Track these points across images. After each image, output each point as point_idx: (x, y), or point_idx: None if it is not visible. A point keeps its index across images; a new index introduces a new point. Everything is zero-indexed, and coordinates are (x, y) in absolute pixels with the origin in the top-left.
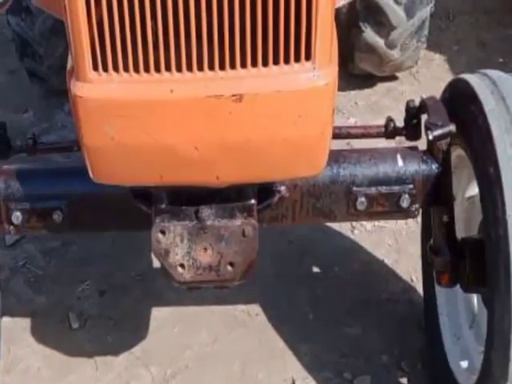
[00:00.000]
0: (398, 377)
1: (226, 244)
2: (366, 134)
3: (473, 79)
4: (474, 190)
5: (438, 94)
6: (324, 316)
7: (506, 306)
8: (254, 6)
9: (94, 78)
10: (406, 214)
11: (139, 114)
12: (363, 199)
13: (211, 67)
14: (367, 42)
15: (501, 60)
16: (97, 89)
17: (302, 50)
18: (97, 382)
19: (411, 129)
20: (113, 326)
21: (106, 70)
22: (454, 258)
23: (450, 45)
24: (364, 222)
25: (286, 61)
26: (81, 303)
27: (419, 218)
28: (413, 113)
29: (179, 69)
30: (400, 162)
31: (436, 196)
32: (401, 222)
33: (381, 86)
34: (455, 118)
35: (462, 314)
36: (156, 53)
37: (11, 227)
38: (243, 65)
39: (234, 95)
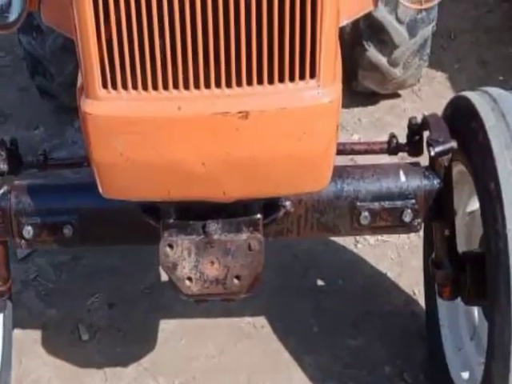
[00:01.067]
0: None
1: (232, 258)
2: (369, 150)
3: (473, 97)
4: (474, 204)
5: (439, 111)
6: (328, 328)
7: (506, 318)
8: (260, 25)
9: (104, 95)
10: (408, 228)
11: (147, 131)
12: (367, 214)
13: (218, 85)
14: (370, 61)
15: (501, 78)
16: (106, 106)
17: (307, 67)
18: None
19: (413, 145)
20: (122, 337)
21: (115, 87)
22: (455, 271)
23: (452, 63)
24: (367, 236)
25: (291, 78)
26: (90, 315)
27: (421, 233)
28: (415, 129)
29: (187, 86)
30: (402, 178)
31: (438, 211)
32: (403, 236)
33: (384, 104)
34: (456, 134)
35: (463, 326)
36: (164, 71)
37: (22, 241)
38: (249, 82)
39: (240, 112)
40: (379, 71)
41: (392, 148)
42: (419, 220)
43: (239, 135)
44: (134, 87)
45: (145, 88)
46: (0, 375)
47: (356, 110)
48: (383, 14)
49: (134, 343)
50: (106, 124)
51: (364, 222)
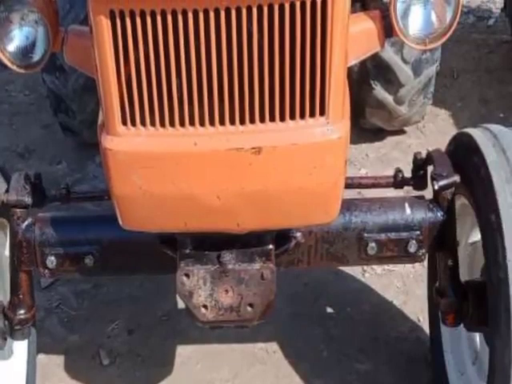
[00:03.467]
0: None
1: (245, 286)
2: (376, 184)
3: (475, 133)
4: (476, 236)
5: (443, 146)
6: (337, 353)
7: (506, 343)
8: (272, 66)
9: (123, 131)
10: (413, 258)
11: (165, 166)
12: (374, 245)
13: (232, 122)
14: (377, 99)
15: (501, 115)
16: (125, 142)
17: (317, 105)
18: None
19: (418, 179)
20: (141, 362)
21: (134, 124)
22: (458, 299)
23: (454, 101)
24: (374, 266)
25: (302, 116)
26: (111, 341)
27: (426, 262)
28: (420, 164)
29: (202, 123)
30: (408, 210)
31: (441, 242)
32: (408, 266)
33: (390, 140)
34: (459, 169)
35: (465, 352)
36: (181, 108)
37: (46, 271)
38: (262, 119)
39: (253, 148)
40: (386, 109)
41: (398, 182)
42: (424, 250)
43: (252, 170)
44: (152, 124)
45: (162, 125)
46: None
47: (363, 145)
48: (389, 55)
49: (152, 367)
50: (126, 159)
51: (371, 252)
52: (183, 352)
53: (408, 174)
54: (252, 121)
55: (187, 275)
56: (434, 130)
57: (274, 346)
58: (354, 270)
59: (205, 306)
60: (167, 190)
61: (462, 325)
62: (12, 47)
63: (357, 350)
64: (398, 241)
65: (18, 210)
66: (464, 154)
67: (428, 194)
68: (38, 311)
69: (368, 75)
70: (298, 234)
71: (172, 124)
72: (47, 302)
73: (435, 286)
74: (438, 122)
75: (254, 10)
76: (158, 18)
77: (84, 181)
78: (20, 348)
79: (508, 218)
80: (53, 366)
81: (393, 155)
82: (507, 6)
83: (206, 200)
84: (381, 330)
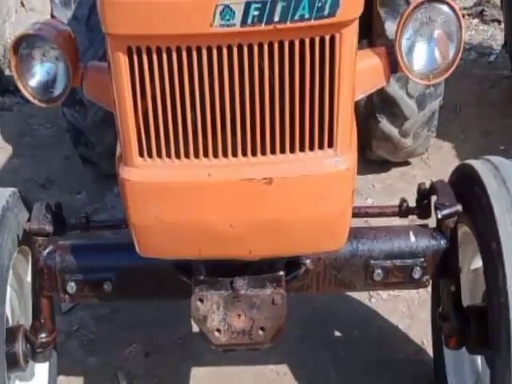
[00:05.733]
0: None
1: (257, 311)
2: (382, 213)
3: (477, 164)
4: (478, 263)
5: (446, 177)
6: (345, 375)
7: (507, 366)
8: (283, 101)
9: (140, 163)
10: (417, 284)
11: (180, 196)
12: (380, 271)
13: (244, 154)
14: (383, 131)
15: (502, 147)
16: (142, 173)
17: (326, 138)
18: None
19: (422, 208)
20: (157, 383)
21: (150, 156)
22: (460, 323)
23: (457, 134)
24: (380, 292)
25: (311, 148)
26: (128, 363)
27: (429, 288)
28: (424, 194)
29: (216, 155)
30: (412, 238)
31: (444, 268)
32: (413, 292)
33: (395, 171)
34: (461, 198)
35: (467, 373)
36: (195, 141)
37: (66, 296)
38: (273, 151)
39: (264, 178)
40: (391, 141)
41: (403, 211)
42: (427, 277)
43: (264, 199)
44: (168, 156)
45: (177, 156)
46: None
47: (370, 176)
48: (395, 89)
49: None
50: (143, 189)
51: (377, 278)
52: (197, 373)
53: (413, 203)
54: (263, 153)
55: (201, 300)
56: (437, 162)
57: (284, 368)
58: (361, 296)
59: (218, 330)
60: (182, 219)
61: (464, 348)
62: (34, 82)
63: (364, 371)
64: (403, 267)
65: (39, 238)
66: (466, 185)
67: (432, 222)
68: (58, 335)
69: (374, 109)
70: (308, 261)
71: (187, 156)
72: (67, 325)
73: (438, 310)
74: (441, 154)
75: (265, 47)
76: (174, 55)
77: (102, 210)
78: (41, 370)
79: (508, 246)
80: None
81: (398, 186)
82: (507, 43)
83: (220, 228)
84: (387, 352)
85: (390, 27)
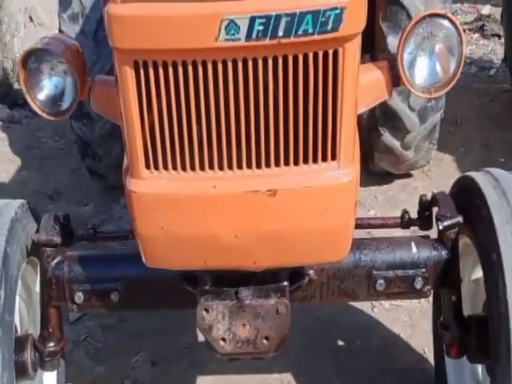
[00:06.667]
0: None
1: (262, 321)
2: (384, 225)
3: (477, 176)
4: (478, 273)
5: (447, 189)
6: (348, 383)
7: (507, 374)
8: (287, 114)
9: (147, 175)
10: (419, 294)
11: (186, 207)
12: (382, 281)
13: (249, 166)
14: (385, 144)
15: (502, 160)
16: (149, 185)
17: (329, 151)
18: None
19: (424, 220)
20: None
21: (156, 168)
22: (461, 333)
23: (458, 146)
24: (382, 301)
25: (315, 160)
26: (135, 372)
27: (431, 298)
28: (425, 206)
29: (221, 167)
30: (414, 249)
31: (445, 278)
32: (415, 301)
33: (397, 183)
34: (462, 210)
35: (468, 382)
36: (201, 154)
37: (74, 306)
38: (277, 164)
39: (269, 190)
40: (393, 154)
41: (405, 222)
42: (429, 287)
43: (268, 211)
44: (174, 168)
45: (183, 169)
46: None
47: (372, 188)
48: (397, 103)
49: None
50: (149, 201)
51: (380, 288)
52: (203, 382)
53: (414, 215)
54: (268, 165)
55: (207, 310)
56: (438, 174)
57: (288, 377)
58: (363, 305)
59: (223, 339)
60: (188, 230)
61: (465, 357)
62: (42, 96)
63: (366, 380)
64: (405, 278)
65: (47, 248)
66: (467, 196)
67: (433, 233)
68: (66, 344)
69: (377, 122)
70: (311, 272)
71: (192, 168)
72: (75, 335)
73: (440, 320)
74: (442, 166)
75: (270, 61)
76: (180, 69)
77: (110, 221)
78: (50, 378)
79: (508, 257)
80: None
81: (400, 197)
82: (507, 58)
83: (225, 239)
84: (389, 361)
85: (392, 42)
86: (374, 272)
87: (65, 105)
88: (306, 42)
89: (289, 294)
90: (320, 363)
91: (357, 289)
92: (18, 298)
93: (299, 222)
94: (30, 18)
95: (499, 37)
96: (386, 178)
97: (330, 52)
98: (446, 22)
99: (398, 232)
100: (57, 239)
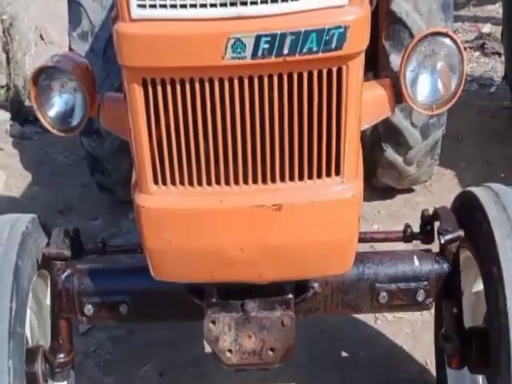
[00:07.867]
0: None
1: (267, 332)
2: (387, 239)
3: (478, 191)
4: (479, 286)
5: (448, 204)
6: None
7: None
8: (292, 130)
9: (155, 190)
10: (421, 306)
11: (193, 221)
12: (385, 294)
13: (255, 181)
14: (388, 160)
15: (502, 175)
16: (157, 200)
17: (333, 166)
18: None
19: (426, 234)
20: None
21: (164, 183)
22: (462, 344)
23: (459, 162)
24: (385, 313)
25: (319, 175)
26: (143, 383)
27: (433, 310)
28: (427, 220)
29: (227, 182)
30: (416, 262)
31: (447, 291)
32: (417, 314)
33: (400, 197)
34: (463, 224)
35: None
36: (208, 169)
37: (84, 318)
38: (282, 179)
39: (274, 205)
40: (396, 169)
41: (407, 236)
42: (431, 299)
43: (273, 225)
44: (182, 183)
45: (191, 184)
46: None
47: (375, 203)
48: (399, 119)
49: None
50: (157, 215)
51: (382, 301)
52: None
53: (416, 229)
54: (273, 180)
55: (213, 322)
56: (440, 189)
57: None
58: (366, 318)
59: (230, 351)
60: (195, 244)
61: (466, 367)
62: (52, 112)
63: None
64: (407, 290)
65: (58, 262)
66: (468, 211)
67: (435, 247)
68: (76, 355)
69: (380, 138)
70: (316, 284)
71: (200, 183)
72: (85, 346)
73: (441, 331)
74: (444, 181)
75: (275, 79)
76: (187, 86)
77: (119, 235)
78: None
79: (508, 270)
80: None
81: (402, 212)
82: (507, 75)
83: (231, 253)
84: (392, 372)
85: (395, 60)
86: (377, 285)
87: (75, 121)
88: (310, 60)
89: (294, 306)
90: (324, 374)
91: (360, 301)
92: (28, 310)
93: (304, 235)
94: (41, 37)
95: (499, 55)
96: (388, 192)
97: (334, 70)
98: (447, 41)
99: (401, 246)
100: (67, 253)
